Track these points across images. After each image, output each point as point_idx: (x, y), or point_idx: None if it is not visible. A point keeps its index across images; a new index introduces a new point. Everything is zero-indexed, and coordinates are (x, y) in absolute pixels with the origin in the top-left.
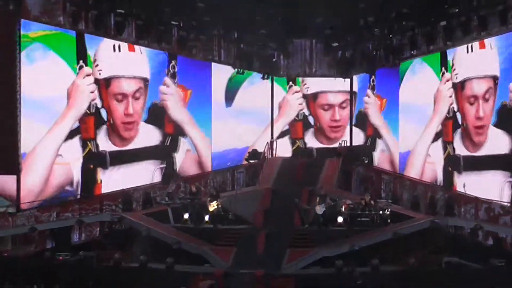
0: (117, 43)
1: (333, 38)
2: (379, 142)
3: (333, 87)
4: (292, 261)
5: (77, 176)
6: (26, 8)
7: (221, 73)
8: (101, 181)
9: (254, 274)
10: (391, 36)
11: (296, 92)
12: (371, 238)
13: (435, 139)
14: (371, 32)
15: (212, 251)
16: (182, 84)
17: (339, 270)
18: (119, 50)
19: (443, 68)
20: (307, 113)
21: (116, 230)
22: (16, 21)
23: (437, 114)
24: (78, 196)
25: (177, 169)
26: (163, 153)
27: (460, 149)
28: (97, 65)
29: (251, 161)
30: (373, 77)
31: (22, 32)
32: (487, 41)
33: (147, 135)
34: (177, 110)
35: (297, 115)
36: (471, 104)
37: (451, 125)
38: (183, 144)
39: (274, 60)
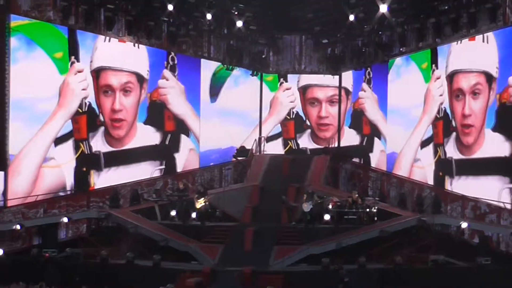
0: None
1: (323, 34)
2: (377, 143)
3: (323, 82)
4: (279, 258)
5: (70, 180)
6: (16, 3)
7: (207, 70)
8: (94, 185)
9: (241, 271)
10: (380, 32)
11: (287, 89)
12: (358, 236)
13: (425, 143)
14: (361, 29)
15: (199, 248)
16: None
17: (326, 268)
18: (109, 40)
19: (433, 65)
20: (300, 111)
21: (103, 227)
22: (6, 16)
23: (427, 114)
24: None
25: (180, 170)
26: (163, 153)
27: (453, 152)
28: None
29: (239, 158)
30: (368, 69)
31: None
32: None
33: (145, 134)
34: (179, 104)
35: (289, 114)
36: (458, 100)
37: (442, 126)
38: (185, 142)
39: (263, 56)
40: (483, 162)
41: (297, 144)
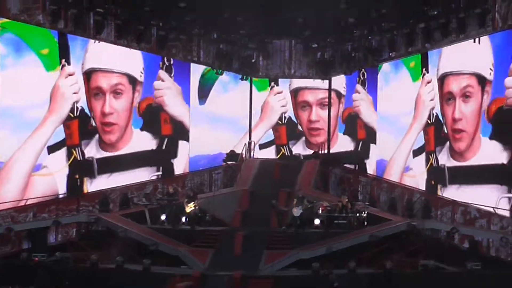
0: None
1: (313, 39)
2: (373, 148)
3: (313, 84)
4: (269, 262)
5: (62, 188)
6: (4, 6)
7: (197, 74)
8: (87, 192)
9: (231, 275)
10: (370, 37)
11: (278, 93)
12: (348, 241)
13: (417, 152)
14: (351, 33)
15: (189, 253)
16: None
17: (316, 272)
18: (99, 41)
19: (423, 69)
20: (292, 115)
21: (93, 231)
22: None
23: (417, 120)
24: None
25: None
26: (159, 158)
27: (446, 160)
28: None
29: (229, 163)
30: (362, 70)
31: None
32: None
33: (141, 139)
34: (176, 105)
35: (280, 119)
36: (448, 103)
37: (433, 132)
38: (184, 147)
39: (253, 60)
40: (478, 169)
41: (290, 151)
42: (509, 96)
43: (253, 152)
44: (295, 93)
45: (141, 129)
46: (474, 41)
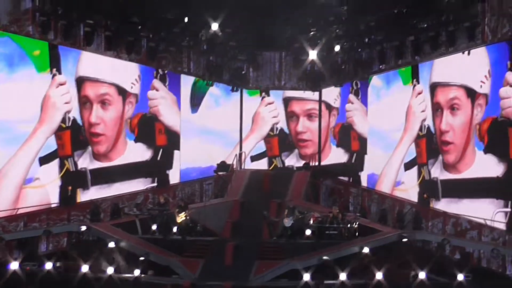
0: None
1: (302, 51)
2: (367, 160)
3: (303, 95)
4: (260, 273)
5: (54, 200)
6: None
7: (188, 85)
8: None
9: (222, 285)
10: (359, 50)
11: (269, 103)
12: (339, 252)
13: (409, 165)
14: (341, 46)
15: (180, 263)
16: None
17: (306, 283)
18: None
19: (414, 80)
20: (284, 126)
21: (83, 240)
22: None
23: (408, 132)
24: None
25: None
26: (154, 170)
27: (439, 173)
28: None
29: (220, 173)
30: (355, 80)
31: None
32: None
33: (135, 149)
34: (171, 115)
35: (272, 129)
36: (437, 114)
37: (425, 144)
38: (179, 158)
39: (243, 72)
40: (473, 183)
41: (283, 162)
42: (504, 107)
43: (244, 164)
44: (285, 102)
45: (135, 141)
46: (463, 53)
